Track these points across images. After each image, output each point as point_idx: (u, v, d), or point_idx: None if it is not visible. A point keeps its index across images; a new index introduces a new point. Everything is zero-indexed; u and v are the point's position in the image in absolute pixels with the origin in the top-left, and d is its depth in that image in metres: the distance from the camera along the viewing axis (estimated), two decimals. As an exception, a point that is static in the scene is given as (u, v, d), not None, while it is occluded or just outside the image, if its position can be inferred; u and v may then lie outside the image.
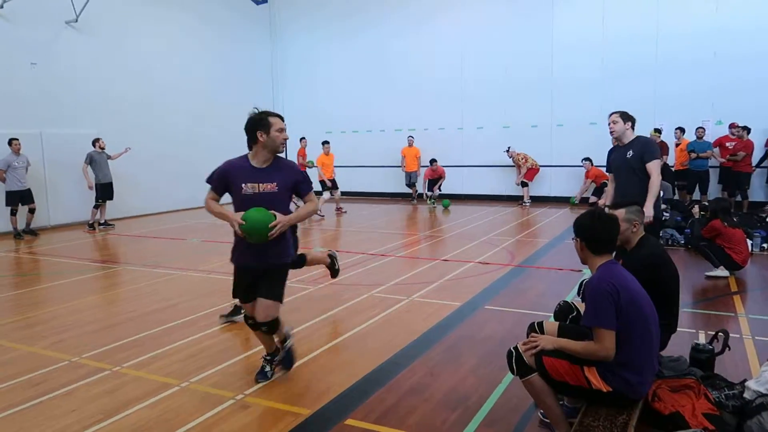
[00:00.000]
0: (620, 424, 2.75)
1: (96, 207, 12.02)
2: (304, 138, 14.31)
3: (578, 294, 4.49)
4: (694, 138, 12.28)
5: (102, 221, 12.22)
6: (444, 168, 15.38)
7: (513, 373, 3.10)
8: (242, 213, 3.63)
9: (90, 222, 12.10)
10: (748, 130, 12.00)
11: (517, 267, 7.68)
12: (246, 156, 3.80)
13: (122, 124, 13.33)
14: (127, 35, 13.79)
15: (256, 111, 3.77)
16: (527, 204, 14.34)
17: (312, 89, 18.15)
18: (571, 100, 14.46)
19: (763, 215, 9.76)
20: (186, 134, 15.24)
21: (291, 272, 7.39)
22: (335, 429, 3.44)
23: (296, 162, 14.36)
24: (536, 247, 9.12)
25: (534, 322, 3.51)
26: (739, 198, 12.09)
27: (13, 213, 10.89)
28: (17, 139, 10.97)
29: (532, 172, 14.52)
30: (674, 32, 13.25)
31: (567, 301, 3.90)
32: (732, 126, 12.26)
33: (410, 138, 15.66)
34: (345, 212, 14.05)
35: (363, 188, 16.54)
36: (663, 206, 5.44)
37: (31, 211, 11.14)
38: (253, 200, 3.70)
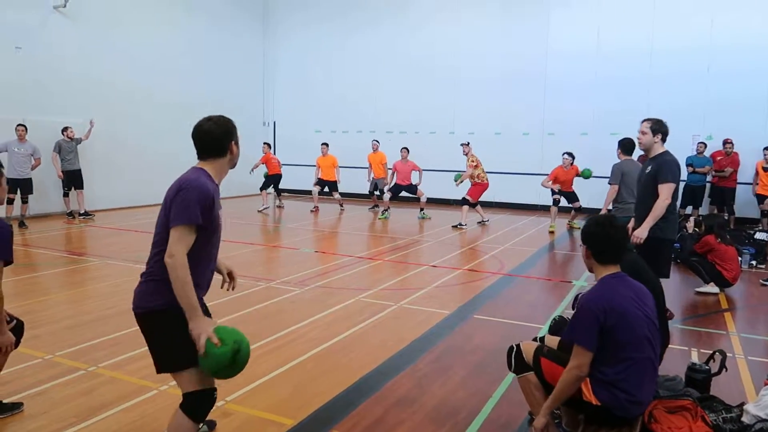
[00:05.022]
0: (620, 446, 2.65)
1: (65, 195, 11.80)
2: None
3: (573, 307, 4.39)
4: (694, 153, 12.31)
5: (81, 211, 11.96)
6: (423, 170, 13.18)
7: (510, 368, 3.14)
8: (218, 329, 2.58)
9: (67, 211, 11.89)
10: (732, 144, 12.05)
11: (506, 276, 7.58)
12: (206, 172, 2.74)
13: (109, 113, 13.05)
14: (116, 24, 13.49)
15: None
16: (464, 227, 11.54)
17: (304, 87, 17.98)
18: (563, 109, 14.45)
19: (751, 232, 9.79)
20: (173, 126, 14.93)
21: (275, 274, 7.32)
22: (320, 441, 3.30)
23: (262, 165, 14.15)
24: (525, 256, 9.03)
25: (537, 337, 3.41)
26: (725, 214, 12.13)
27: (8, 201, 10.38)
28: (23, 126, 10.73)
29: (478, 188, 11.74)
30: (667, 46, 13.32)
31: (562, 317, 3.80)
32: (727, 141, 12.24)
33: (375, 142, 14.14)
34: (343, 210, 14.15)
35: (357, 190, 16.28)
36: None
37: (24, 201, 10.74)
38: (218, 235, 2.80)
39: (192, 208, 2.51)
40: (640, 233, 4.93)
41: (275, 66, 18.53)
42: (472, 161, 11.73)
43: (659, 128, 4.98)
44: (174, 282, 2.47)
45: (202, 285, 2.72)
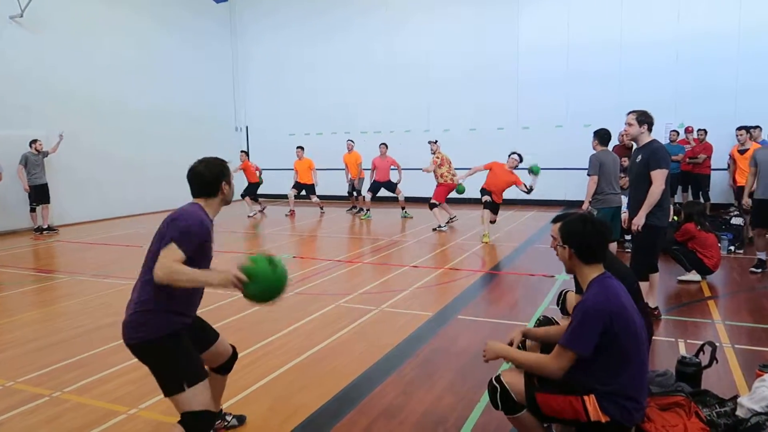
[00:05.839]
0: (616, 452, 2.52)
1: (31, 210, 11.43)
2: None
3: (557, 304, 4.28)
4: (667, 141, 12.39)
5: (45, 226, 11.58)
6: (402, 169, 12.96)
7: (497, 408, 2.79)
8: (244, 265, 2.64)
9: (35, 227, 11.52)
10: (705, 132, 12.17)
11: (488, 273, 7.47)
12: (201, 206, 2.89)
13: (73, 124, 12.64)
14: (77, 33, 13.10)
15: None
16: (444, 228, 10.92)
17: (276, 91, 17.73)
18: (537, 103, 14.45)
19: (728, 217, 9.84)
20: (139, 137, 14.58)
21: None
22: (302, 459, 3.13)
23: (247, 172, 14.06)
24: (506, 251, 8.95)
25: (523, 334, 3.22)
26: (701, 200, 12.22)
27: None
28: None
29: (443, 188, 10.99)
30: (636, 38, 13.40)
31: (547, 317, 3.67)
32: (688, 130, 12.45)
33: (349, 142, 13.87)
34: (323, 212, 13.98)
35: (336, 192, 16.04)
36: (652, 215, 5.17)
37: None
38: (207, 266, 2.95)
39: (186, 234, 2.65)
40: (638, 221, 5.01)
41: (245, 71, 18.23)
42: (437, 157, 11.04)
43: (645, 119, 5.10)
44: (180, 281, 2.56)
45: (187, 313, 2.88)
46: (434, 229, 11.02)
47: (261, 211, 14.43)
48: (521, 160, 9.95)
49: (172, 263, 2.56)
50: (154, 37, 15.26)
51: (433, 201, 11.06)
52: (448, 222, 11.46)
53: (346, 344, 4.91)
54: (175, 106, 15.60)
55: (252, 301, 2.67)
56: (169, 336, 2.73)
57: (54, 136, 11.78)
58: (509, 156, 9.95)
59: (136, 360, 2.90)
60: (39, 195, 11.43)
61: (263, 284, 2.60)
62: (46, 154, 11.58)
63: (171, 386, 2.71)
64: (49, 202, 11.64)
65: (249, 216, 13.70)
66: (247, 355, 4.66)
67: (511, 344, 3.03)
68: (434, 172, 11.11)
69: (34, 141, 11.38)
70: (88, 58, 13.30)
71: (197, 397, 2.70)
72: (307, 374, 4.27)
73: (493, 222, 10.15)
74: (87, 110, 13.26)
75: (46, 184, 11.55)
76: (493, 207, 9.96)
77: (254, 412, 3.66)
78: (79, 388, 4.07)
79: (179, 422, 2.72)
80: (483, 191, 9.99)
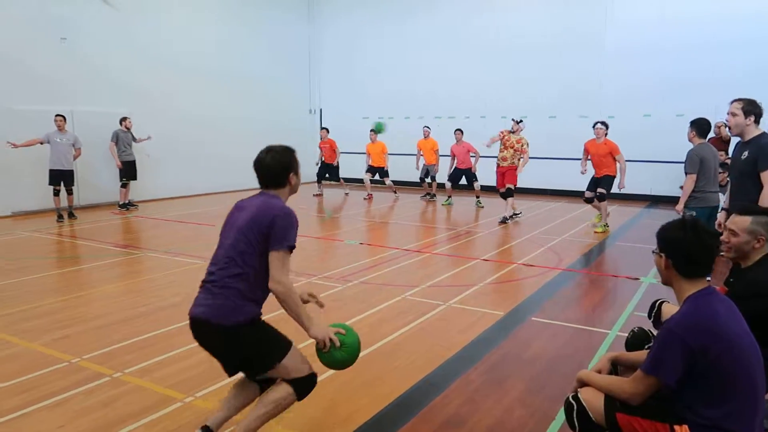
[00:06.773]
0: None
1: (123, 186, 11.84)
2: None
3: (649, 317, 3.82)
4: None
5: (126, 201, 11.99)
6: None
7: (573, 430, 2.50)
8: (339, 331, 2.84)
9: (120, 202, 11.92)
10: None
11: (565, 271, 6.98)
12: (280, 198, 2.90)
13: (152, 103, 13.01)
14: (157, 12, 13.40)
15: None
16: (520, 215, 10.68)
17: (350, 74, 17.58)
18: (624, 89, 13.51)
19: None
20: (218, 116, 14.85)
21: (317, 268, 6.97)
22: (357, 470, 2.89)
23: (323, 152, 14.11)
24: (585, 248, 8.37)
25: (612, 362, 2.82)
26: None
27: (55, 193, 10.49)
28: (61, 116, 10.56)
29: (513, 170, 10.40)
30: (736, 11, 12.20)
31: (642, 329, 3.24)
32: None
33: (426, 129, 13.69)
34: (397, 197, 13.93)
35: (409, 178, 15.75)
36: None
37: (69, 192, 10.68)
38: None
39: (293, 234, 2.72)
40: None
41: (320, 52, 18.18)
42: (507, 139, 10.33)
43: (752, 109, 4.43)
44: (289, 306, 2.68)
45: (261, 301, 2.81)
46: (501, 222, 10.33)
47: (319, 195, 14.38)
48: (607, 127, 9.44)
49: (290, 283, 2.68)
50: (235, 19, 15.46)
51: (509, 186, 10.31)
52: (514, 215, 10.68)
53: (409, 342, 4.64)
54: (252, 84, 15.80)
55: (325, 361, 2.83)
56: (256, 319, 2.78)
57: (134, 115, 12.11)
58: (593, 127, 9.46)
59: (196, 344, 2.77)
60: (128, 171, 11.84)
61: (345, 354, 2.82)
62: (134, 137, 11.95)
63: (269, 362, 2.75)
64: (136, 179, 12.06)
65: (346, 194, 14.24)
66: (305, 348, 4.47)
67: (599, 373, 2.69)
68: (499, 154, 10.49)
69: (125, 119, 11.76)
70: (169, 37, 13.60)
71: (297, 364, 2.78)
72: (366, 374, 4.03)
73: (602, 196, 9.46)
74: (167, 89, 13.57)
75: (135, 161, 11.95)
76: (600, 182, 9.45)
77: (306, 413, 3.46)
78: (140, 369, 4.03)
79: (290, 383, 2.78)
80: (592, 181, 9.63)
